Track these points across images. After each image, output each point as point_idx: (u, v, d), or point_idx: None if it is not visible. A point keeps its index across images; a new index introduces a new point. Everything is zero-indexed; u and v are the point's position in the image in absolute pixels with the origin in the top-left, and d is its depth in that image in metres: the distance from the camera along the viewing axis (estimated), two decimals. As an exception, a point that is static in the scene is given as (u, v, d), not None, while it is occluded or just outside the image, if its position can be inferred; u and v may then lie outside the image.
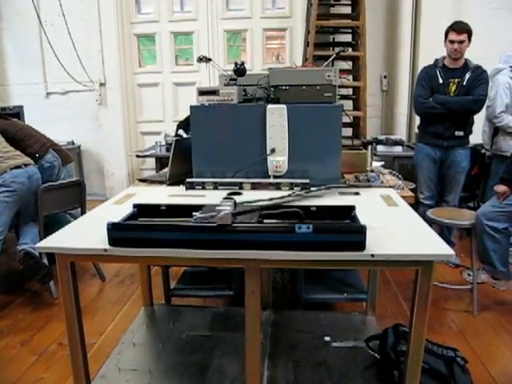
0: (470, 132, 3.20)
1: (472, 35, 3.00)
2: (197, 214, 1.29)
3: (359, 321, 2.25)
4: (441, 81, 3.10)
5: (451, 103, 3.05)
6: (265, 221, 1.37)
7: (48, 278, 2.70)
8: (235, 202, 1.37)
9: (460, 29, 2.98)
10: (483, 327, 2.46)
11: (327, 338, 2.05)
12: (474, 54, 3.13)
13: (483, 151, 3.72)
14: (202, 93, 1.96)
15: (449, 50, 3.05)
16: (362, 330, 2.15)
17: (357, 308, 2.47)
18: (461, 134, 3.13)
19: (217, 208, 1.29)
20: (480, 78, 3.03)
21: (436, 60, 3.18)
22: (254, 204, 1.48)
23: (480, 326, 2.46)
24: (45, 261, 2.72)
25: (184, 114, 4.32)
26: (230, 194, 1.73)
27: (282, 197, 1.65)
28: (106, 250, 1.25)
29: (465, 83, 3.04)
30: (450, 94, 3.08)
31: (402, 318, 2.36)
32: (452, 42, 3.00)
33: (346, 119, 2.38)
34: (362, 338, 2.00)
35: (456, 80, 3.07)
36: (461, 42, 2.98)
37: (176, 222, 1.30)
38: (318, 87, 1.91)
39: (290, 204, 1.56)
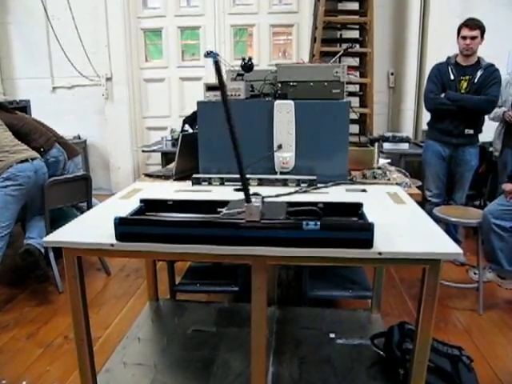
0: (480, 131, 3.17)
1: (485, 32, 2.97)
2: (223, 210, 1.27)
3: (364, 318, 2.24)
4: (452, 77, 3.07)
5: (464, 101, 3.02)
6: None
7: (43, 278, 2.74)
8: (263, 198, 1.32)
9: (473, 25, 2.95)
10: (489, 326, 2.45)
11: (332, 335, 2.05)
12: (482, 50, 3.10)
13: (490, 149, 3.69)
14: (209, 88, 1.96)
15: (461, 46, 3.02)
16: (367, 327, 2.15)
17: (362, 305, 2.46)
18: (471, 132, 3.10)
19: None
20: (492, 76, 3.00)
21: (448, 57, 3.15)
22: (278, 200, 1.46)
23: (485, 325, 2.45)
24: (51, 255, 2.74)
25: (190, 109, 4.31)
26: (236, 189, 1.72)
27: (290, 193, 1.65)
28: (112, 245, 1.25)
29: (476, 81, 3.02)
30: (461, 91, 3.06)
31: (407, 316, 2.36)
32: (464, 37, 2.97)
33: (352, 116, 2.37)
34: (367, 336, 2.00)
35: (467, 77, 3.04)
36: (473, 37, 2.95)
37: (183, 218, 1.30)
38: (326, 83, 1.90)
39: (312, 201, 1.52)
